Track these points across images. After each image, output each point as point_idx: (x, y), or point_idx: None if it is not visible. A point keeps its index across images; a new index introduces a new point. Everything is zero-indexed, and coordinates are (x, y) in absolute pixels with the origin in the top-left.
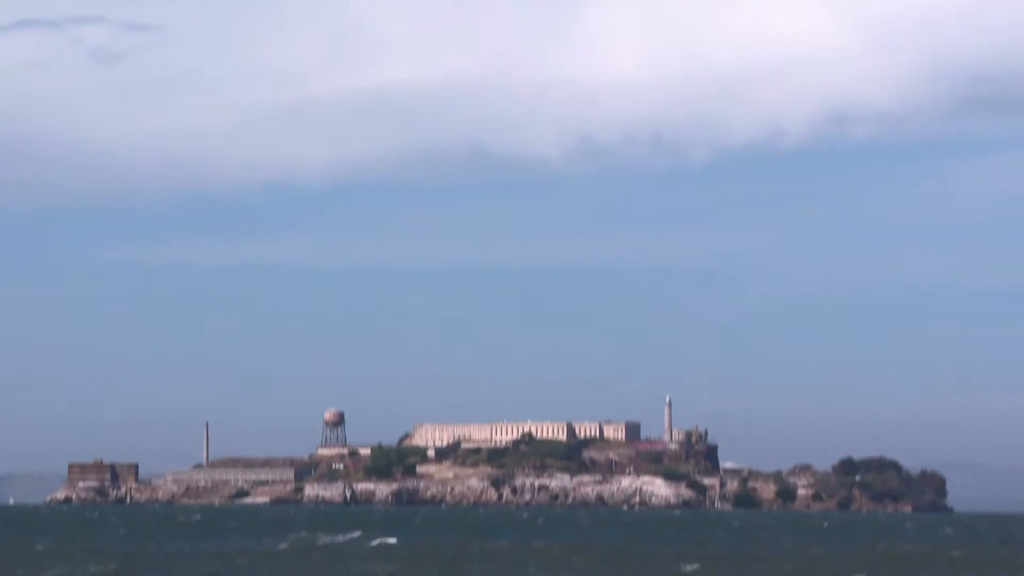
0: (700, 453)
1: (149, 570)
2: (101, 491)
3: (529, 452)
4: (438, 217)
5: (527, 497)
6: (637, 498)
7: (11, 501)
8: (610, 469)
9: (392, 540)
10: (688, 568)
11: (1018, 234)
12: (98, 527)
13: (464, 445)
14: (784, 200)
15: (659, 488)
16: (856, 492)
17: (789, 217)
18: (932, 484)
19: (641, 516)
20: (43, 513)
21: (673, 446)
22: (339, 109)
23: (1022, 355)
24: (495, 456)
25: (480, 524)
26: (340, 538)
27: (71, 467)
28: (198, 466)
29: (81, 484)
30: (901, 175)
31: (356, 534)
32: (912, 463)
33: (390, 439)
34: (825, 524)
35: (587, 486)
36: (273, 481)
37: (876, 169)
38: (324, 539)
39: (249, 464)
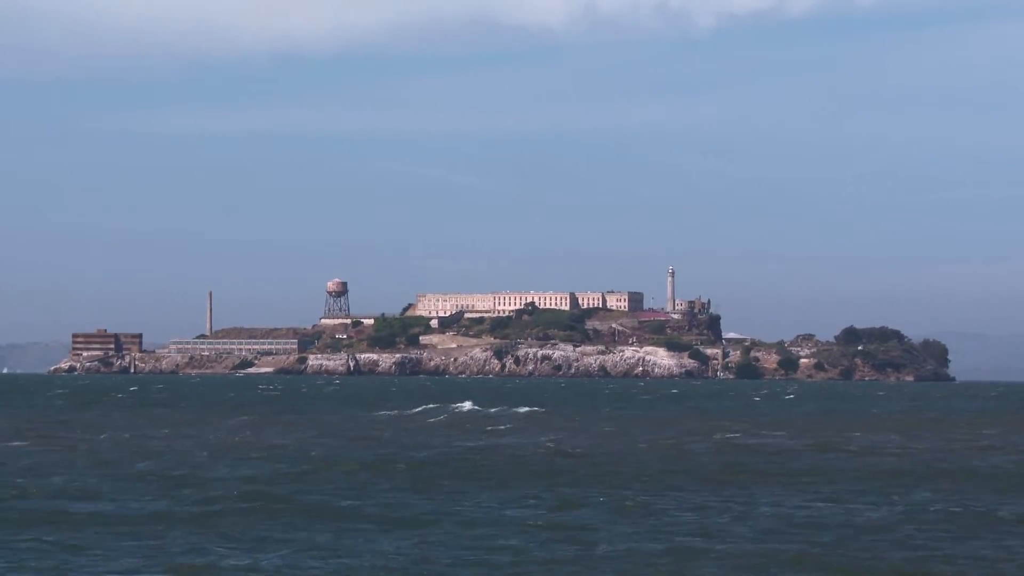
0: (703, 323)
1: None
2: (105, 361)
3: (532, 322)
4: (441, 86)
5: (530, 367)
6: (640, 368)
7: (4, 370)
8: (613, 339)
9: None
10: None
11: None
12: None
13: (467, 315)
14: (789, 68)
15: (662, 358)
16: (858, 362)
17: (794, 86)
18: (934, 353)
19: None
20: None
21: (676, 316)
22: None
23: None
24: (498, 326)
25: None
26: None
27: (75, 337)
28: (201, 336)
29: (85, 354)
30: (905, 42)
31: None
32: (915, 333)
33: (393, 309)
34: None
35: (590, 356)
36: (277, 351)
37: (881, 36)
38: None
39: (252, 334)
